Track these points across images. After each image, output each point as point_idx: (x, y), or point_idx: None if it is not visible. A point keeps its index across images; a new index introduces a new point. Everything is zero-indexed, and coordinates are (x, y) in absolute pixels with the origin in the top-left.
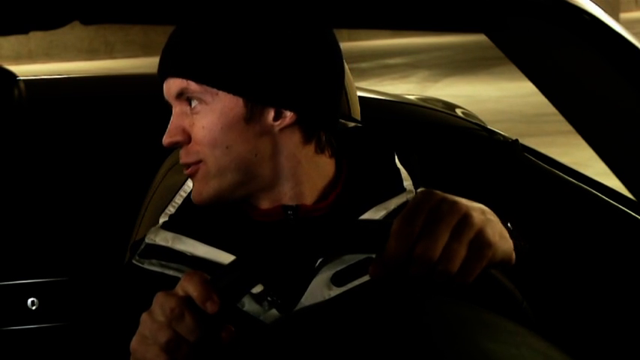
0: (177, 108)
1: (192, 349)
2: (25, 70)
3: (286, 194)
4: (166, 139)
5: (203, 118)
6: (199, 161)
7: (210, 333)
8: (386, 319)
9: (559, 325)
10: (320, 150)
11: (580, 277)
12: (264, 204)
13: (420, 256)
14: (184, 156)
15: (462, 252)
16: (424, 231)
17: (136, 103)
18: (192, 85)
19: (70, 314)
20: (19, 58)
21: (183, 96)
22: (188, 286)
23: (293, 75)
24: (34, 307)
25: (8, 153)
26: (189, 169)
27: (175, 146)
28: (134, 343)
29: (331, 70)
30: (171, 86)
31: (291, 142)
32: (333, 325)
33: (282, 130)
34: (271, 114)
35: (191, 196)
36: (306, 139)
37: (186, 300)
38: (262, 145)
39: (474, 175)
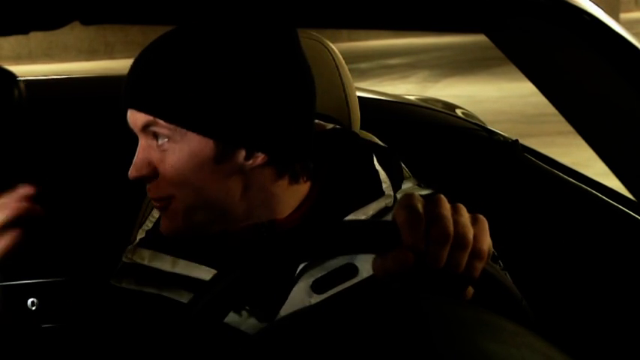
0: (143, 140)
1: None
2: (25, 71)
3: (260, 218)
4: (133, 173)
5: (171, 157)
6: (170, 197)
7: None
8: (385, 319)
9: (559, 325)
10: (295, 180)
11: (580, 277)
12: (238, 228)
13: (436, 239)
14: (154, 190)
15: (466, 255)
16: (430, 239)
17: None
18: (161, 123)
19: (70, 315)
20: (19, 59)
21: (149, 130)
22: None
23: (265, 116)
24: (34, 308)
25: (8, 153)
26: (160, 204)
27: (141, 180)
28: None
29: (304, 106)
30: (137, 118)
31: (263, 177)
32: (331, 325)
33: (253, 168)
34: (242, 154)
35: (160, 229)
36: (280, 174)
37: None
38: (233, 184)
39: (474, 175)
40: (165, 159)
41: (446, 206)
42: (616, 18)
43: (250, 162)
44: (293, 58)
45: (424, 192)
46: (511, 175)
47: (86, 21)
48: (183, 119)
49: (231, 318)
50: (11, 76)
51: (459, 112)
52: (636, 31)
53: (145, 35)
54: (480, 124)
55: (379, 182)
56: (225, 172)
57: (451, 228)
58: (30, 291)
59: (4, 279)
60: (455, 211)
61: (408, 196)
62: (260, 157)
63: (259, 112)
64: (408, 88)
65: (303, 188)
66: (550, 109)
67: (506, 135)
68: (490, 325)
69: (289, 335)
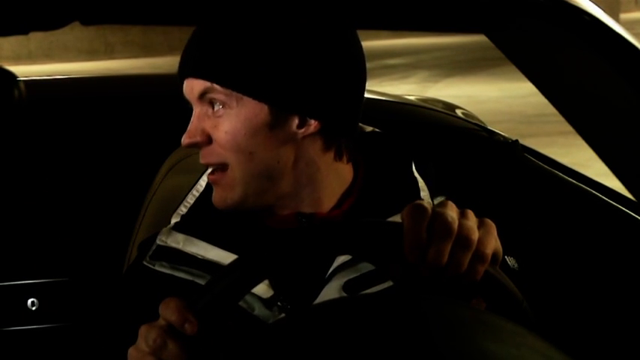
0: (198, 108)
1: None
2: (25, 71)
3: (304, 201)
4: (186, 140)
5: (226, 123)
6: (223, 164)
7: (199, 352)
8: (385, 319)
9: (559, 325)
10: (339, 156)
11: (580, 278)
12: (282, 211)
13: (431, 263)
14: (206, 156)
15: (468, 256)
16: (432, 234)
17: (136, 103)
18: (217, 88)
19: (70, 315)
20: (19, 59)
21: (205, 97)
22: (166, 313)
23: (320, 83)
24: (34, 308)
25: (8, 153)
26: (214, 176)
27: (194, 147)
28: None
29: (356, 76)
30: (194, 86)
31: (313, 149)
32: (331, 324)
33: (304, 137)
34: (295, 121)
35: (213, 201)
36: (327, 146)
37: (168, 328)
38: (285, 152)
39: (474, 175)
40: (219, 125)
41: (452, 208)
42: (616, 18)
43: (303, 130)
44: (345, 30)
45: (436, 200)
46: (511, 175)
47: (86, 21)
48: (240, 84)
49: (262, 312)
50: (11, 76)
51: (459, 112)
52: (636, 31)
53: (145, 35)
54: (480, 124)
55: (417, 190)
56: (278, 139)
57: (454, 225)
58: (30, 291)
59: (4, 279)
60: (462, 215)
61: (415, 207)
62: (313, 125)
63: (314, 79)
64: (408, 88)
65: (345, 172)
66: (550, 109)
67: (506, 135)
68: (490, 325)
69: (287, 332)
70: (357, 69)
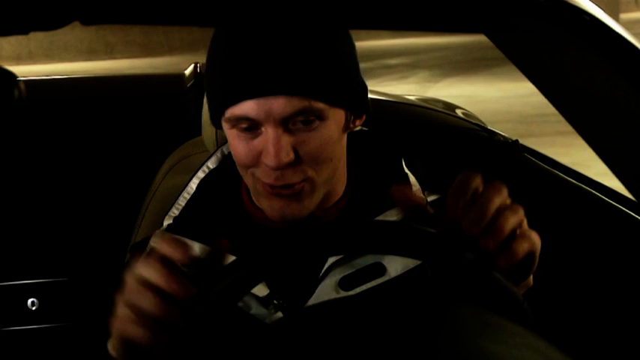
0: (282, 126)
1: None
2: (25, 71)
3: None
4: (283, 160)
5: (318, 136)
6: (309, 177)
7: (199, 352)
8: (385, 319)
9: (559, 325)
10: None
11: (580, 278)
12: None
13: (474, 219)
14: (289, 176)
15: (509, 223)
16: (477, 197)
17: (136, 104)
18: (316, 105)
19: (70, 315)
20: (19, 59)
21: (298, 115)
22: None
23: (360, 77)
24: (34, 308)
25: (8, 153)
26: (300, 186)
27: (285, 167)
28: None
29: None
30: (287, 105)
31: (344, 143)
32: (331, 325)
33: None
34: (351, 118)
35: (281, 216)
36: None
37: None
38: (344, 150)
39: None
40: (309, 140)
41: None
42: (616, 18)
43: (357, 122)
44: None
45: (431, 198)
46: (511, 175)
47: (86, 21)
48: (336, 96)
49: (258, 311)
50: (11, 76)
51: (459, 112)
52: (636, 31)
53: (145, 35)
54: (480, 124)
55: (409, 184)
56: (344, 140)
57: (489, 215)
58: (30, 291)
59: (4, 279)
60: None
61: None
62: (362, 119)
63: (359, 75)
64: (408, 88)
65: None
66: (550, 109)
67: (506, 135)
68: (490, 325)
69: (289, 332)
70: None
